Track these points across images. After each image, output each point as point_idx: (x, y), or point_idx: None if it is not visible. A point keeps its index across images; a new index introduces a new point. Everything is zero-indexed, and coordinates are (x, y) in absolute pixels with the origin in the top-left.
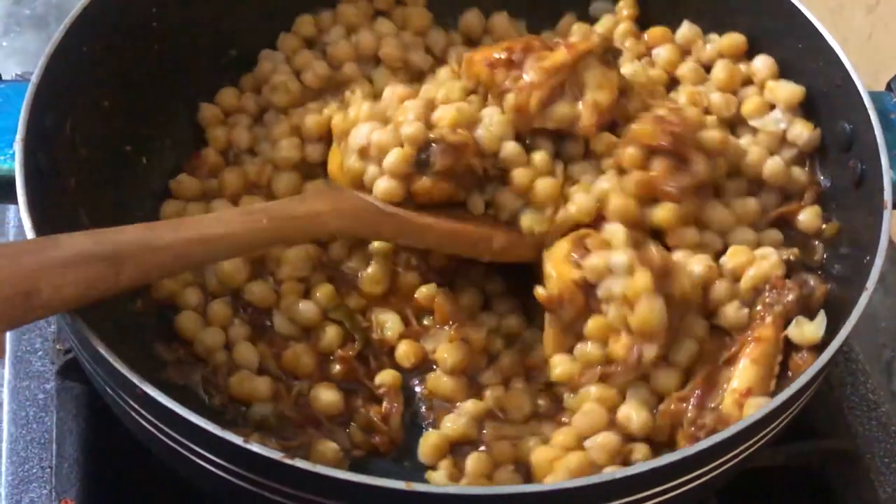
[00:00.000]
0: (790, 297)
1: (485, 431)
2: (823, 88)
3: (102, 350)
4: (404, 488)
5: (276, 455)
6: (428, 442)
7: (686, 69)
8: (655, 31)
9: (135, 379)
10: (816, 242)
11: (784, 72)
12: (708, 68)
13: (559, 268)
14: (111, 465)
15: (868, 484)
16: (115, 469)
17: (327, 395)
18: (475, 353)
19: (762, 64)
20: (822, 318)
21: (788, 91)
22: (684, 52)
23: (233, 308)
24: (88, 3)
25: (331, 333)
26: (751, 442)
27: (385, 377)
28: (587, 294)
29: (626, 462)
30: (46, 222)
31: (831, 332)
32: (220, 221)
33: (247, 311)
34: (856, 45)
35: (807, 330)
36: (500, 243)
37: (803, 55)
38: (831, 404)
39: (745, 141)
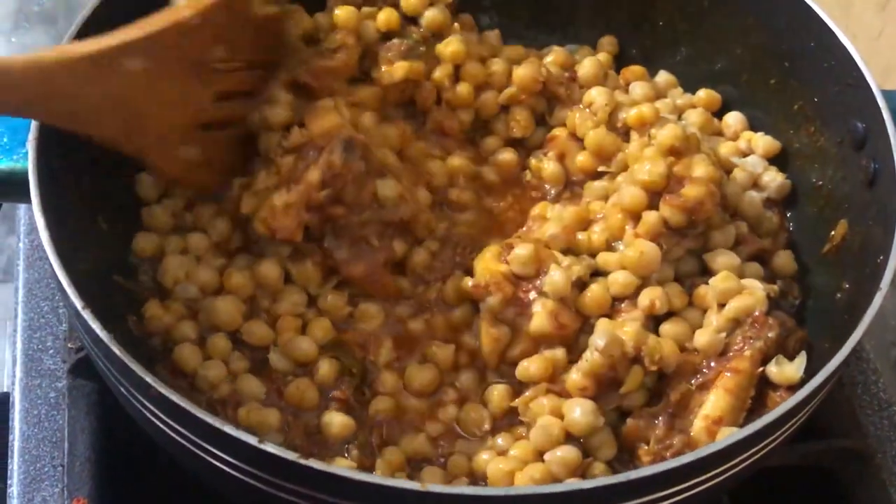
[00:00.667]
0: (771, 335)
1: (441, 445)
2: (835, 87)
3: (116, 350)
4: (419, 489)
5: (291, 456)
6: (385, 459)
7: (661, 105)
8: (634, 69)
9: (149, 379)
10: (793, 285)
11: (795, 70)
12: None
13: (487, 264)
14: (123, 463)
15: (879, 483)
16: (128, 467)
17: (339, 420)
18: (442, 374)
19: (734, 119)
20: (802, 359)
21: (767, 142)
22: (659, 95)
23: (231, 342)
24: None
25: (325, 368)
26: (765, 442)
27: (379, 405)
28: (515, 284)
29: (584, 476)
30: (61, 222)
31: (845, 330)
32: None
33: (244, 348)
34: (866, 42)
35: (787, 369)
36: None
37: (815, 53)
38: (842, 403)
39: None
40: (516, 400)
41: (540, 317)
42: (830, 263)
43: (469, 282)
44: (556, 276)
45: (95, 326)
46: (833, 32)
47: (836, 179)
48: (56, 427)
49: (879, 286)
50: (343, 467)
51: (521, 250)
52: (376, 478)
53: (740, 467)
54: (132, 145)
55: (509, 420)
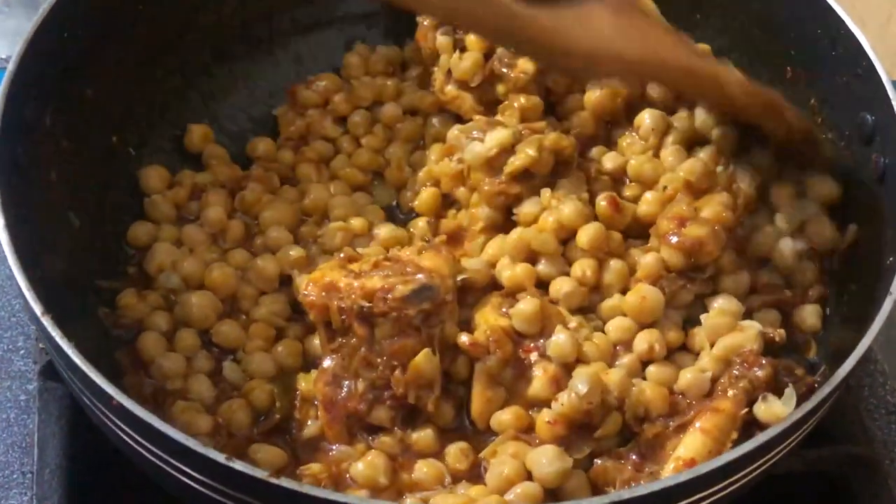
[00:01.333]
0: (759, 374)
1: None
2: (843, 77)
3: (77, 359)
4: None
5: (260, 474)
6: None
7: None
8: None
9: (110, 390)
10: (812, 341)
11: (801, 59)
12: None
13: (487, 317)
14: (95, 471)
15: (887, 489)
16: (100, 476)
17: (268, 450)
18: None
19: None
20: (790, 395)
21: (827, 188)
22: None
23: (201, 341)
24: None
25: (261, 396)
26: (773, 453)
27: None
28: (515, 342)
29: None
30: (27, 220)
31: (856, 334)
32: None
33: (213, 348)
34: (874, 28)
35: (775, 407)
36: None
37: (821, 41)
38: (849, 409)
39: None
40: (483, 452)
41: (540, 381)
42: (837, 265)
43: (464, 337)
44: (563, 340)
45: (55, 334)
46: (841, 18)
47: (842, 176)
48: (26, 432)
49: (890, 290)
50: (312, 486)
51: (525, 305)
52: (351, 497)
53: (748, 478)
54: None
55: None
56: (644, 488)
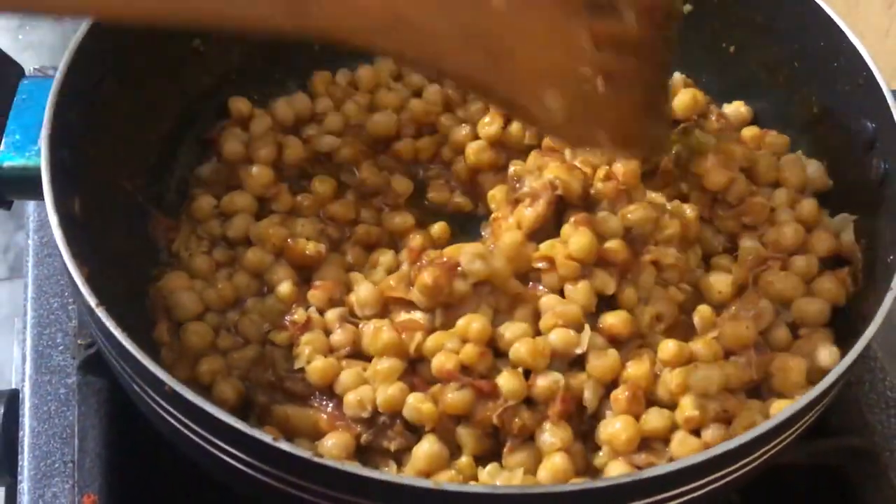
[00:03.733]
0: None
1: None
2: (845, 87)
3: (128, 345)
4: (432, 486)
5: (305, 454)
6: None
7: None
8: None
9: (161, 375)
10: None
11: (803, 70)
12: None
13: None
14: (134, 459)
15: (886, 481)
16: (138, 464)
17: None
18: None
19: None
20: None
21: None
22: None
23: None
24: None
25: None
26: (776, 441)
27: None
28: None
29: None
30: (74, 219)
31: (855, 330)
32: None
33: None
34: (873, 41)
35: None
36: None
37: (823, 53)
38: (850, 402)
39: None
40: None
41: None
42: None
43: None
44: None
45: (110, 325)
46: (842, 31)
47: (845, 180)
48: (66, 423)
49: (891, 286)
50: (357, 466)
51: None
52: (391, 476)
53: (751, 466)
54: (500, 85)
55: None
56: (648, 472)
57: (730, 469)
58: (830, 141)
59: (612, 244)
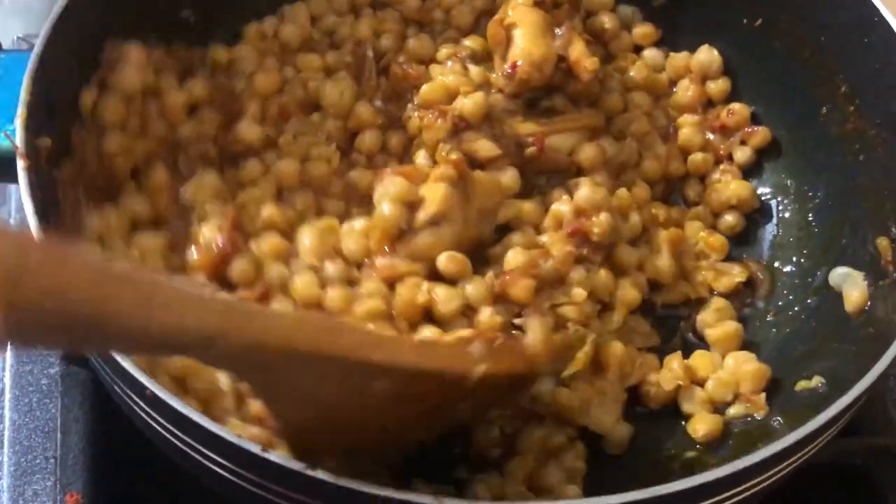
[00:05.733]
0: None
1: None
2: (875, 64)
3: None
4: (432, 502)
5: (296, 466)
6: None
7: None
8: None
9: (143, 380)
10: None
11: (831, 45)
12: None
13: None
14: (119, 456)
15: None
16: (124, 461)
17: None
18: None
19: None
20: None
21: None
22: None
23: None
24: None
25: None
26: (809, 447)
27: None
28: None
29: None
30: (51, 206)
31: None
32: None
33: None
34: None
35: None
36: None
37: (853, 27)
38: (875, 400)
39: None
40: None
41: None
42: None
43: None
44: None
45: None
46: (874, 6)
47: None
48: (48, 416)
49: None
50: (349, 479)
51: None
52: (388, 490)
53: (782, 473)
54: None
55: None
56: (690, 481)
57: (760, 479)
58: (858, 123)
59: None
